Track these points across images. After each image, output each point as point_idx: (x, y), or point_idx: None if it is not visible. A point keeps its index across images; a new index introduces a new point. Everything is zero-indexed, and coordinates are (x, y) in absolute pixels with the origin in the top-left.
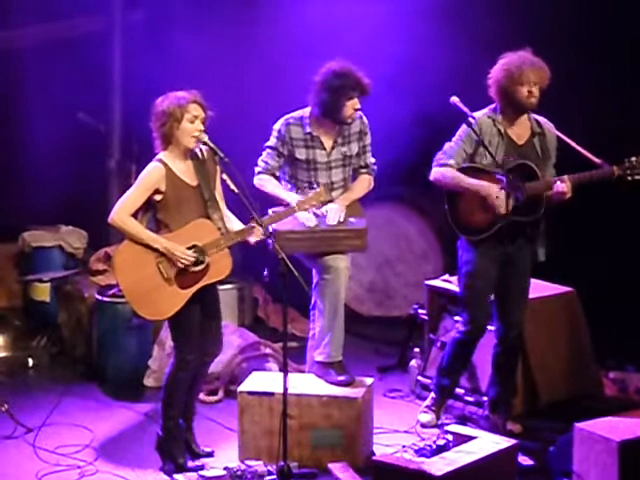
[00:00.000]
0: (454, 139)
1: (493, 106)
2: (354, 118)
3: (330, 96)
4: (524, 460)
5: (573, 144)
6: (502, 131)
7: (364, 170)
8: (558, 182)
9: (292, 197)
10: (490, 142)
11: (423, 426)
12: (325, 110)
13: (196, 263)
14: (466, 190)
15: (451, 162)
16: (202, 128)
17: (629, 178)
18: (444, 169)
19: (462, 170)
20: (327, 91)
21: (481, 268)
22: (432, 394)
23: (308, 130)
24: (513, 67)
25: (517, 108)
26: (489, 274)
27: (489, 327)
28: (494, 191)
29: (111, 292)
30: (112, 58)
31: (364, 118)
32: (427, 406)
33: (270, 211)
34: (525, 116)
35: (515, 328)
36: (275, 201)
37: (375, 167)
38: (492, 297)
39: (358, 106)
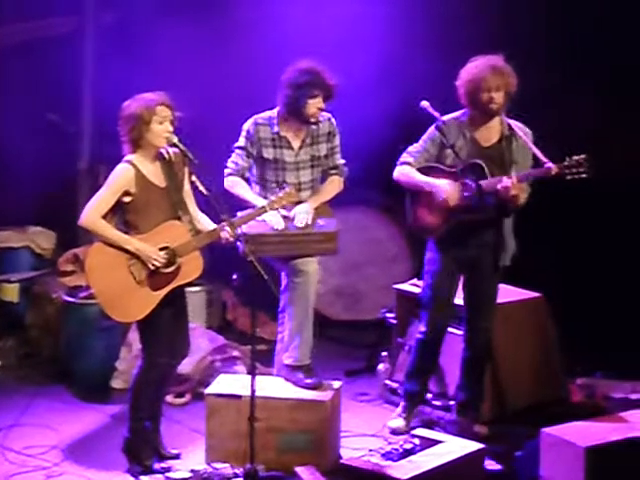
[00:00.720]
0: (420, 140)
1: (464, 110)
2: (317, 118)
3: (293, 93)
4: (491, 465)
5: (531, 146)
6: (467, 134)
7: (334, 171)
8: (504, 178)
9: (260, 201)
10: (455, 145)
11: (393, 432)
12: (288, 107)
13: (167, 265)
14: (416, 187)
15: (410, 160)
16: (171, 129)
17: (568, 177)
18: (403, 167)
19: (421, 170)
20: (290, 88)
21: (442, 269)
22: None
23: (276, 130)
24: (476, 72)
25: (481, 112)
26: (450, 276)
27: (457, 331)
28: (442, 186)
29: (82, 295)
30: (83, 59)
31: (332, 120)
32: (398, 413)
33: (239, 214)
34: (497, 120)
35: (482, 333)
36: (244, 204)
37: (346, 169)
38: (454, 300)
39: (321, 105)
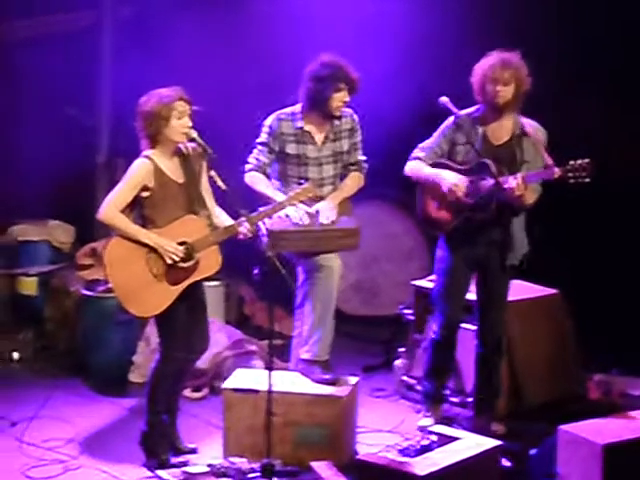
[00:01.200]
0: (433, 135)
1: (478, 106)
2: (342, 112)
3: (317, 86)
4: (505, 462)
5: (540, 145)
6: (479, 131)
7: (354, 167)
8: (510, 178)
9: (281, 197)
10: (466, 141)
11: (422, 430)
12: (312, 101)
13: (185, 259)
14: (425, 180)
15: (421, 155)
16: (190, 124)
17: (571, 181)
18: (414, 162)
19: (432, 165)
20: (314, 81)
21: (451, 266)
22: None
23: (299, 125)
24: (486, 65)
25: (490, 106)
26: (460, 273)
27: (474, 327)
28: (449, 177)
29: (100, 289)
30: (101, 53)
31: (355, 116)
32: (424, 412)
33: (261, 209)
34: (510, 118)
35: (494, 331)
36: (265, 200)
37: (366, 165)
38: (466, 297)
39: (346, 99)
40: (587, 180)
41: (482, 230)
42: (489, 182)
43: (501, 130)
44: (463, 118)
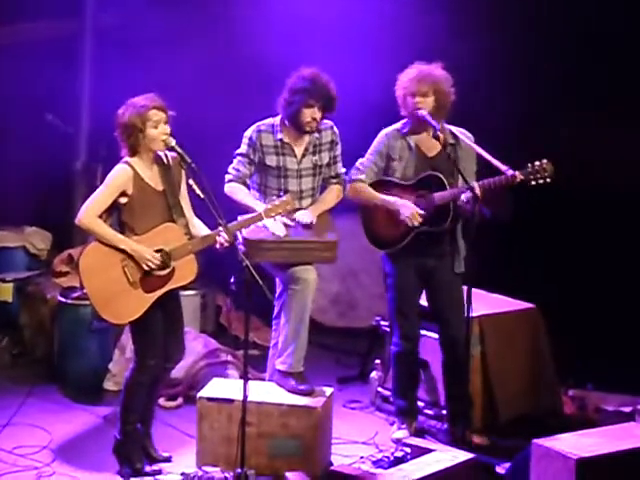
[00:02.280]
0: (367, 154)
1: (405, 120)
2: (313, 128)
3: (290, 99)
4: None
5: (482, 152)
6: (411, 144)
7: (334, 180)
8: (466, 188)
9: (261, 207)
10: (400, 157)
11: (396, 442)
12: (284, 113)
13: (162, 267)
14: (375, 205)
15: (362, 177)
16: (167, 131)
17: (532, 182)
18: (356, 185)
19: (378, 184)
20: (289, 93)
21: (403, 280)
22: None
23: (279, 137)
24: (405, 79)
25: (414, 119)
26: (411, 286)
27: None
28: (404, 205)
29: (75, 295)
30: (82, 60)
31: (335, 128)
32: (398, 425)
33: (239, 217)
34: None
35: (455, 339)
36: (244, 210)
37: (346, 177)
38: (419, 307)
39: (316, 116)
40: (548, 180)
41: (432, 242)
42: (445, 193)
43: (430, 141)
44: (392, 133)
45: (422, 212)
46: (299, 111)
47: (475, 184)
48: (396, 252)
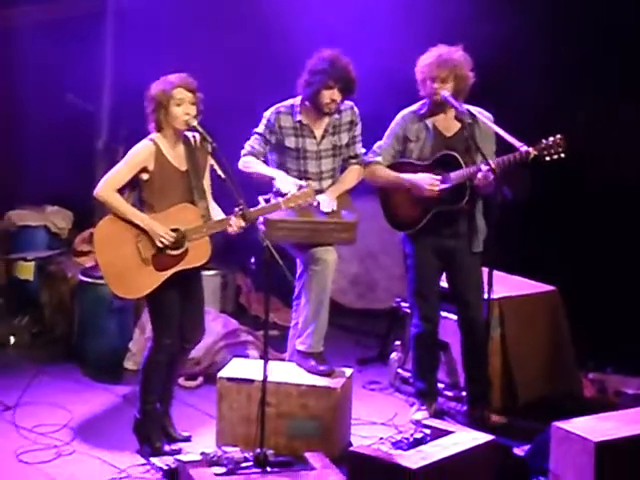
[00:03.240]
0: (384, 137)
1: (423, 101)
2: (332, 109)
3: (310, 79)
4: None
5: (498, 130)
6: (429, 125)
7: (354, 161)
8: (482, 166)
9: (278, 174)
10: (418, 137)
11: (415, 423)
12: (305, 94)
13: (175, 247)
14: (394, 184)
15: (379, 159)
16: (190, 111)
17: (547, 158)
18: (373, 167)
19: (394, 166)
20: (309, 74)
21: (422, 261)
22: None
23: (298, 118)
24: (425, 63)
25: (433, 102)
26: (431, 266)
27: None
28: (422, 178)
29: (98, 274)
30: (104, 39)
31: (355, 108)
32: (418, 406)
33: (261, 199)
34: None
35: (474, 320)
36: (261, 182)
37: (365, 159)
38: (439, 288)
39: (335, 97)
40: (562, 156)
41: (450, 222)
42: (462, 171)
43: (449, 121)
44: (408, 115)
45: (439, 178)
46: (319, 92)
47: (490, 161)
48: (415, 233)
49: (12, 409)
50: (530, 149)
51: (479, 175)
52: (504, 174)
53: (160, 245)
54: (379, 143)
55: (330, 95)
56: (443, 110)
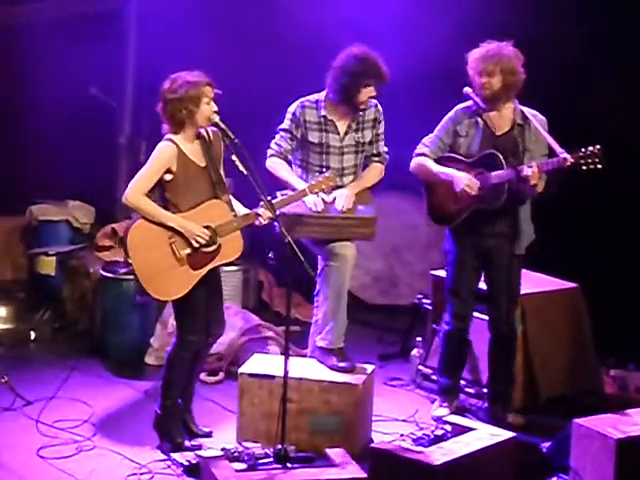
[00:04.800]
0: (435, 130)
1: (478, 98)
2: (367, 105)
3: (346, 80)
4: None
5: (545, 135)
6: (479, 122)
7: (376, 159)
8: (525, 167)
9: (302, 185)
10: (467, 133)
11: (436, 420)
12: (341, 95)
13: (208, 244)
14: (435, 178)
15: (425, 151)
16: (216, 108)
17: (583, 167)
18: (419, 159)
19: (439, 160)
20: (344, 74)
21: (460, 259)
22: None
23: (323, 113)
24: (472, 58)
25: (482, 98)
26: (468, 265)
27: (486, 317)
28: (461, 177)
29: (121, 271)
30: (127, 34)
31: (379, 106)
32: (440, 403)
33: (279, 194)
34: (509, 107)
35: (505, 321)
36: (284, 186)
37: (387, 156)
38: (476, 288)
39: (373, 94)
40: (599, 166)
41: (490, 222)
42: (502, 172)
43: (501, 120)
44: (463, 110)
45: (477, 182)
46: (359, 92)
47: (534, 164)
48: (456, 230)
49: (34, 404)
50: (568, 156)
51: (522, 175)
52: (543, 176)
53: (196, 245)
54: (430, 136)
55: (368, 92)
56: (494, 108)
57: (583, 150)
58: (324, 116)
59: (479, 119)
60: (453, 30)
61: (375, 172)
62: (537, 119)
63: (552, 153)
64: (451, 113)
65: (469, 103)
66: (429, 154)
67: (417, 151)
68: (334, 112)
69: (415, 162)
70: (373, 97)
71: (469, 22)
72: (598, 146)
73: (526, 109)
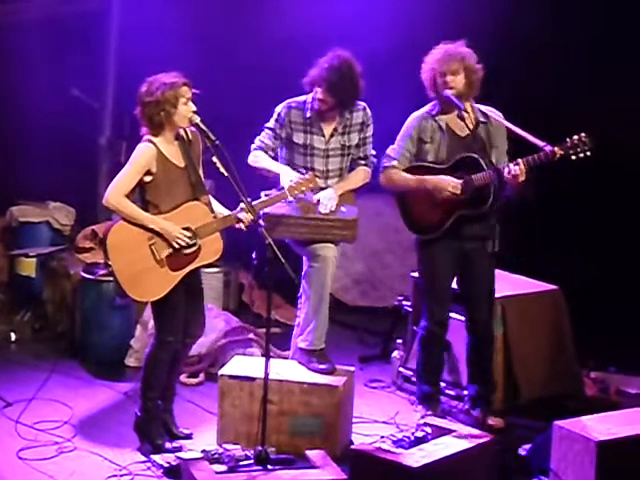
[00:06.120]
0: (397, 140)
1: (433, 102)
2: (319, 108)
3: (306, 82)
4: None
5: (517, 130)
6: (442, 126)
7: (363, 162)
8: (511, 165)
9: (283, 169)
10: (432, 138)
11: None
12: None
13: (188, 245)
14: (411, 188)
15: (394, 163)
16: (195, 109)
17: (573, 157)
18: (388, 171)
19: (409, 170)
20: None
21: (438, 265)
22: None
23: (308, 115)
24: (433, 59)
25: (445, 100)
26: (446, 270)
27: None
28: (441, 181)
29: (100, 273)
30: (108, 35)
31: (367, 110)
32: (423, 413)
33: (263, 194)
34: (467, 107)
35: (482, 323)
36: (267, 176)
37: (375, 160)
38: (451, 291)
39: (319, 96)
40: (589, 154)
41: (470, 225)
42: (484, 174)
43: (461, 120)
44: (424, 116)
45: (460, 182)
46: (310, 90)
47: (520, 161)
48: (433, 238)
49: (14, 406)
50: (555, 148)
51: (511, 174)
52: (528, 173)
53: (176, 246)
54: (392, 147)
55: (315, 93)
56: (453, 109)
57: (569, 140)
58: (309, 118)
59: (441, 123)
60: (441, 25)
61: (360, 175)
62: (495, 114)
63: (520, 148)
64: (410, 120)
65: (426, 108)
66: (397, 166)
67: (384, 164)
68: (321, 115)
69: (385, 176)
70: (321, 100)
71: (456, 17)
72: (583, 134)
73: (481, 106)
